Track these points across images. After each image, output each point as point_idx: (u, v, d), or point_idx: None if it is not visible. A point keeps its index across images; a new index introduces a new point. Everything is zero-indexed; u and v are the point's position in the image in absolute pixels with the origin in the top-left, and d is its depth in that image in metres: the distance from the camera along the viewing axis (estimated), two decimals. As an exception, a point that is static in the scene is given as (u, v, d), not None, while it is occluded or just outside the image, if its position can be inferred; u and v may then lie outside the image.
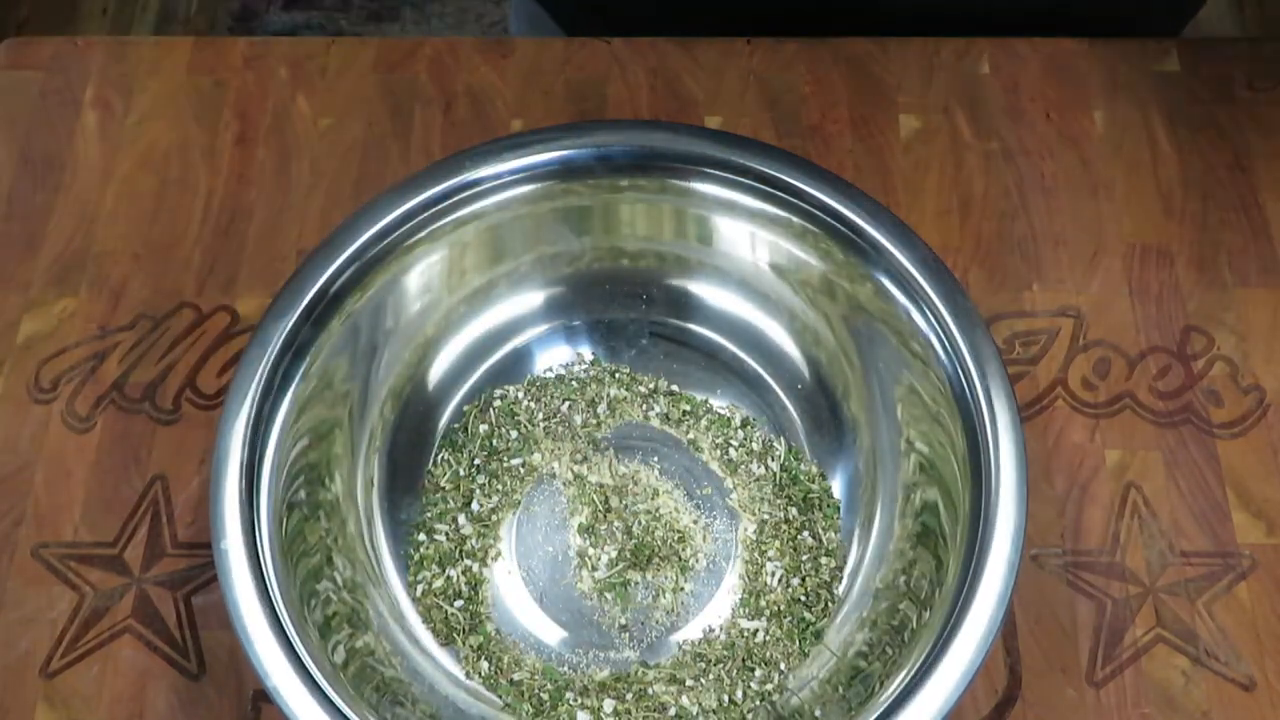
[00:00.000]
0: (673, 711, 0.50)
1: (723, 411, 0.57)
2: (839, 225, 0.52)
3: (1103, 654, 0.53)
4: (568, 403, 0.57)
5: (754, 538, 0.54)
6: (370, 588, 0.52)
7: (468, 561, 0.54)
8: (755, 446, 0.56)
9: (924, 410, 0.51)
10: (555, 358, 0.59)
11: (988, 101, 0.66)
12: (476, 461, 0.56)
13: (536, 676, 0.51)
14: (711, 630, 0.53)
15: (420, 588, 0.53)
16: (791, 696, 0.50)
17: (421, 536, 0.54)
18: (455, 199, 0.53)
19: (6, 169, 0.65)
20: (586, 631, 0.53)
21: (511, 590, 0.54)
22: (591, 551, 0.54)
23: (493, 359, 0.58)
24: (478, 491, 0.55)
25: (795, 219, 0.53)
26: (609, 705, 0.50)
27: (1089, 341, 0.60)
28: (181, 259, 0.62)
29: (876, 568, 0.52)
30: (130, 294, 0.61)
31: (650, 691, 0.51)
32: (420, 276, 0.54)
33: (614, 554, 0.54)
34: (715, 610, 0.53)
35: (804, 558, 0.53)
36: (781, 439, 0.56)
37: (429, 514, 0.55)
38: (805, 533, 0.54)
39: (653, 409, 0.57)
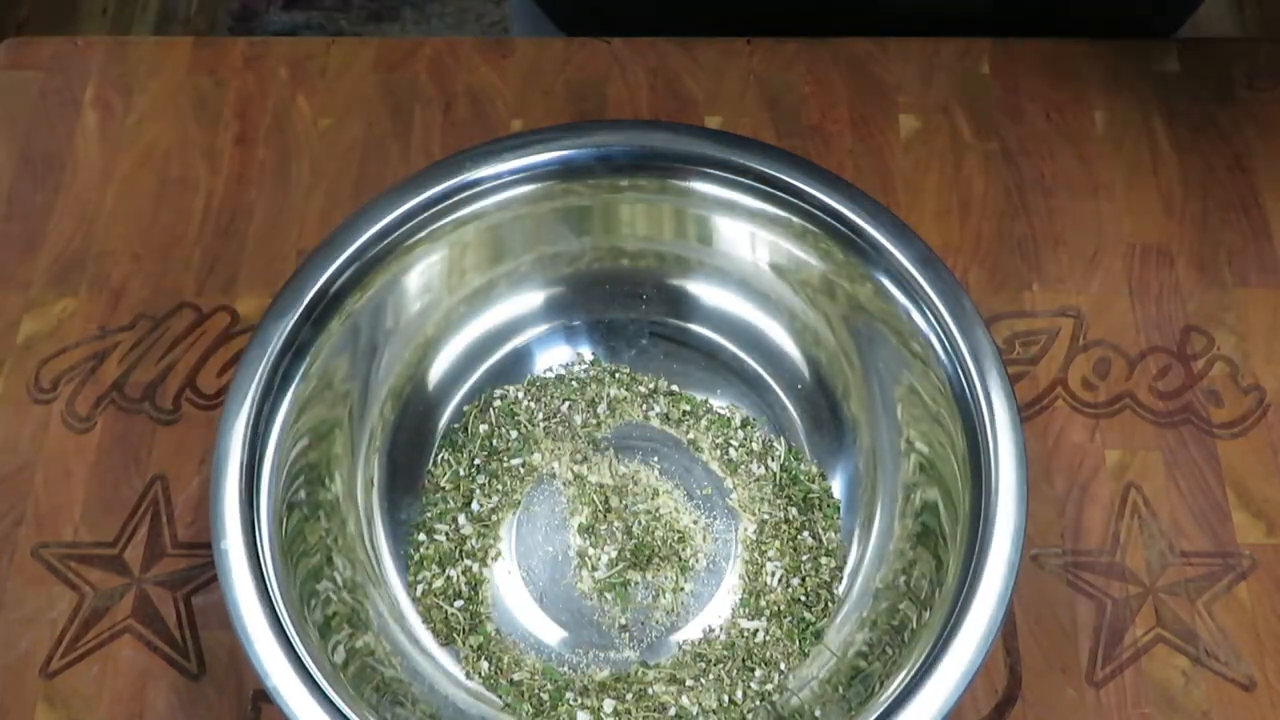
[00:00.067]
0: (673, 711, 0.50)
1: (723, 411, 0.57)
2: (839, 225, 0.52)
3: (1103, 654, 0.53)
4: (568, 403, 0.57)
5: (754, 538, 0.54)
6: (370, 588, 0.52)
7: (468, 561, 0.54)
8: (755, 446, 0.56)
9: (924, 410, 0.51)
10: (555, 358, 0.59)
11: (988, 101, 0.66)
12: (476, 461, 0.56)
13: (536, 676, 0.51)
14: (711, 630, 0.53)
15: (420, 588, 0.53)
16: (791, 696, 0.50)
17: (421, 536, 0.54)
18: (455, 199, 0.53)
19: (6, 169, 0.65)
20: (586, 631, 0.53)
21: (511, 590, 0.54)
22: (591, 551, 0.54)
23: (493, 359, 0.58)
24: (478, 491, 0.55)
25: (795, 219, 0.53)
26: (609, 705, 0.50)
27: (1089, 341, 0.60)
28: (181, 259, 0.62)
29: (876, 568, 0.52)
30: (130, 294, 0.61)
31: (650, 691, 0.51)
32: (420, 276, 0.54)
33: (614, 554, 0.54)
34: (715, 610, 0.53)
35: (804, 558, 0.53)
36: (781, 439, 0.56)
37: (429, 514, 0.55)
38: (805, 533, 0.54)
39: (653, 409, 0.57)
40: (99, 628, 0.54)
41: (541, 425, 0.57)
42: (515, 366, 0.58)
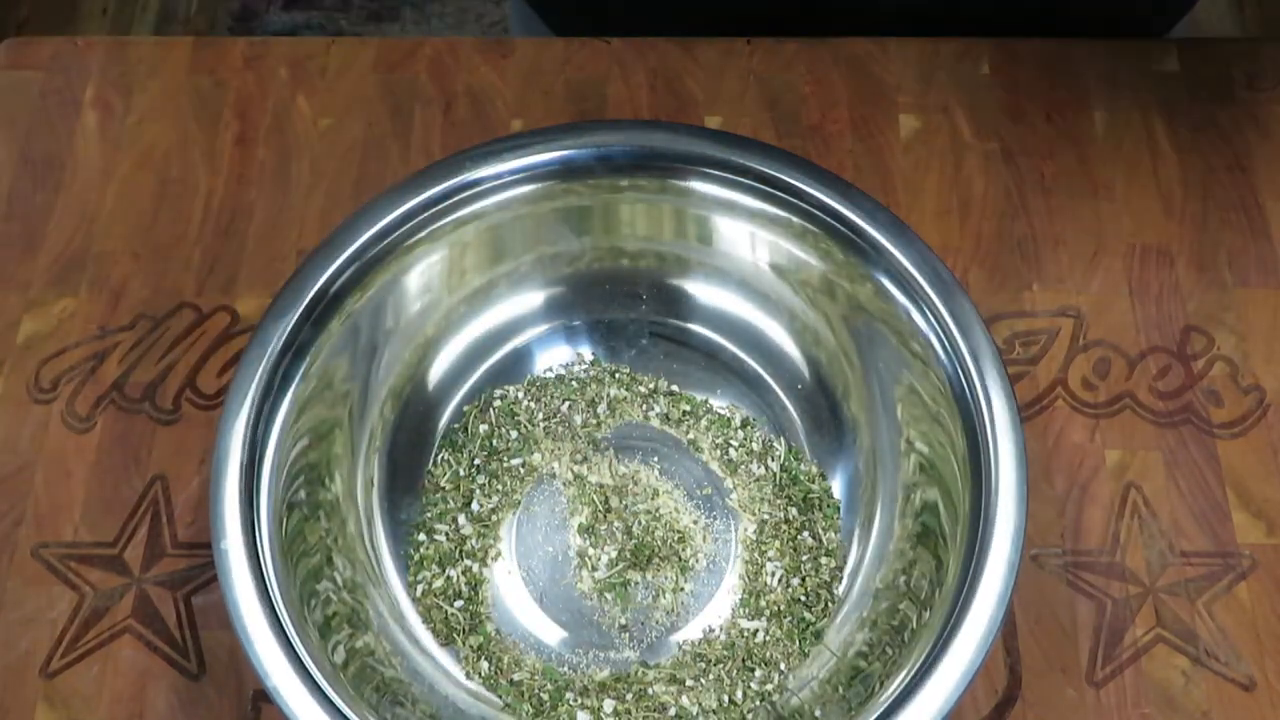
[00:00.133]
0: (673, 711, 0.50)
1: (723, 411, 0.57)
2: (839, 225, 0.52)
3: (1103, 654, 0.53)
4: (568, 403, 0.57)
5: (754, 538, 0.54)
6: (370, 588, 0.52)
7: (468, 561, 0.54)
8: (755, 446, 0.56)
9: (924, 410, 0.51)
10: (555, 358, 0.59)
11: (988, 101, 0.66)
12: (476, 461, 0.56)
13: (536, 676, 0.51)
14: (711, 630, 0.53)
15: (420, 588, 0.53)
16: (791, 696, 0.50)
17: (421, 536, 0.54)
18: (455, 199, 0.53)
19: (6, 169, 0.65)
20: (586, 631, 0.53)
21: (511, 590, 0.54)
22: (591, 551, 0.54)
23: (493, 359, 0.58)
24: (478, 491, 0.55)
25: (795, 219, 0.53)
26: (609, 705, 0.50)
27: (1089, 341, 0.60)
28: (181, 259, 0.62)
29: (876, 568, 0.52)
30: (130, 294, 0.61)
31: (650, 691, 0.51)
32: (420, 276, 0.54)
33: (614, 554, 0.54)
34: (715, 610, 0.53)
35: (804, 558, 0.53)
36: (781, 439, 0.56)
37: (429, 514, 0.55)
38: (805, 533, 0.54)
39: (653, 409, 0.57)
40: (99, 628, 0.54)
41: (541, 425, 0.57)
42: (515, 366, 0.58)
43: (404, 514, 0.55)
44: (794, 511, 0.55)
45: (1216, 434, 0.58)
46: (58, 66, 0.68)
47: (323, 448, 0.52)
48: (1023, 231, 0.63)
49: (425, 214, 0.52)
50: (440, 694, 0.50)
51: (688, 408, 0.57)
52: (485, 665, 0.52)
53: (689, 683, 0.51)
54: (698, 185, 0.54)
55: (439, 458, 0.56)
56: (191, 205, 0.64)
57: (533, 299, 0.58)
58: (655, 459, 0.56)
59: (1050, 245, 0.62)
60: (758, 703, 0.51)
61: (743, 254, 0.56)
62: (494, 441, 0.56)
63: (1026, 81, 0.67)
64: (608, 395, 0.57)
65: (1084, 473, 0.57)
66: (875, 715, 0.44)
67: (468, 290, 0.57)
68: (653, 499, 0.55)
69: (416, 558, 0.54)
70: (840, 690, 0.49)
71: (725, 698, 0.51)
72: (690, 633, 0.53)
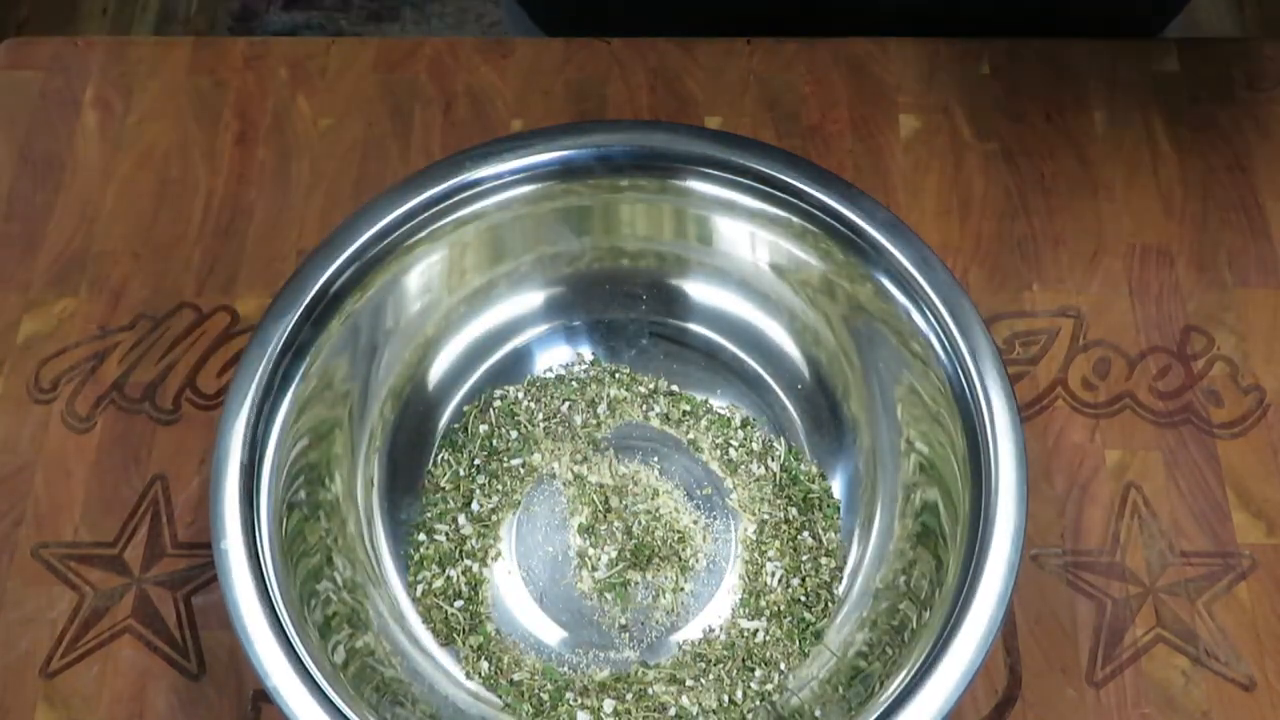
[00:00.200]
0: (673, 711, 0.50)
1: (723, 411, 0.57)
2: (839, 225, 0.52)
3: (1103, 654, 0.53)
4: (568, 403, 0.57)
5: (754, 538, 0.54)
6: (370, 588, 0.52)
7: (468, 561, 0.54)
8: (755, 446, 0.56)
9: (924, 410, 0.51)
10: (555, 358, 0.59)
11: (988, 101, 0.66)
12: (476, 461, 0.56)
13: (536, 676, 0.51)
14: (711, 630, 0.53)
15: (420, 588, 0.53)
16: (791, 696, 0.50)
17: (421, 536, 0.54)
18: (455, 199, 0.53)
19: (6, 169, 0.65)
20: (586, 631, 0.53)
21: (511, 590, 0.54)
22: (591, 551, 0.54)
23: (493, 359, 0.58)
24: (478, 491, 0.55)
25: (795, 219, 0.53)
26: (609, 705, 0.50)
27: (1089, 341, 0.60)
28: (181, 259, 0.62)
29: (876, 568, 0.52)
30: (130, 294, 0.61)
31: (650, 691, 0.51)
32: (420, 276, 0.54)
33: (614, 554, 0.54)
34: (715, 610, 0.53)
35: (804, 558, 0.53)
36: (781, 439, 0.56)
37: (429, 514, 0.55)
38: (805, 533, 0.54)
39: (653, 409, 0.57)
40: (99, 628, 0.54)
41: (541, 425, 0.57)
42: (515, 366, 0.58)
43: (404, 514, 0.55)
44: (794, 511, 0.55)
45: (1216, 434, 0.58)
46: (58, 66, 0.68)
47: (323, 448, 0.52)
48: (1023, 231, 0.63)
49: (425, 214, 0.52)
50: (440, 694, 0.50)
51: (688, 408, 0.57)
52: (485, 665, 0.52)
53: (689, 683, 0.51)
54: (698, 185, 0.54)
55: (439, 458, 0.56)
56: (191, 205, 0.64)
57: (533, 299, 0.58)
58: (655, 459, 0.56)
59: (1050, 245, 0.62)
60: (758, 703, 0.51)
61: (743, 254, 0.56)
62: (494, 441, 0.56)
63: (1026, 81, 0.67)
64: (608, 395, 0.57)
65: (1084, 473, 0.57)
66: (875, 715, 0.44)
67: (468, 290, 0.57)
68: (653, 499, 0.55)
69: (416, 558, 0.54)
70: (840, 690, 0.49)
71: (725, 698, 0.51)
72: (690, 633, 0.53)
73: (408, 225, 0.52)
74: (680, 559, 0.54)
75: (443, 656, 0.52)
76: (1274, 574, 0.54)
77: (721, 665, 0.51)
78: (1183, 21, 0.79)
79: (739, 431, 0.57)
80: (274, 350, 0.49)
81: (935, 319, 0.50)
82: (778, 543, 0.54)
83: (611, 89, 0.67)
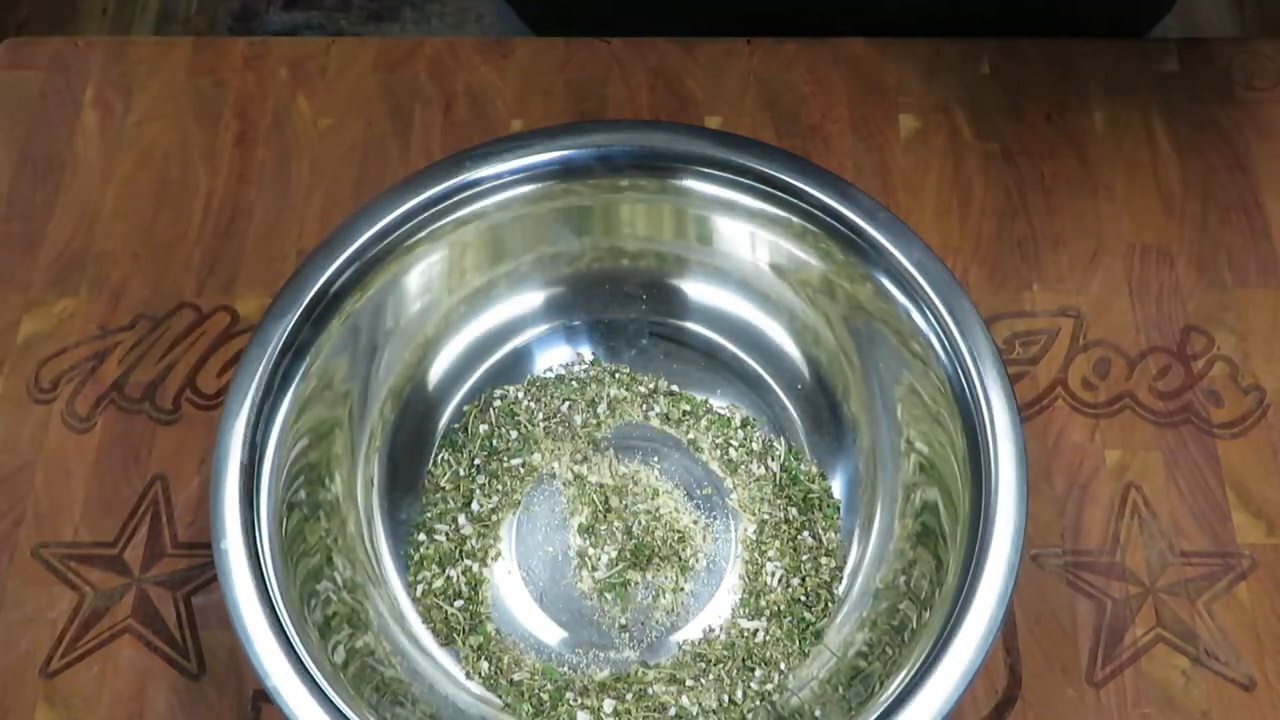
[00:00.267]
0: (673, 711, 0.50)
1: (723, 411, 0.57)
2: (839, 225, 0.52)
3: (1103, 654, 0.53)
4: (568, 403, 0.57)
5: (754, 538, 0.54)
6: (370, 588, 0.52)
7: (468, 561, 0.54)
8: (755, 446, 0.56)
9: (924, 410, 0.51)
10: (555, 358, 0.59)
11: (988, 101, 0.66)
12: (476, 461, 0.56)
13: (536, 676, 0.51)
14: (711, 630, 0.53)
15: (420, 588, 0.53)
16: (791, 696, 0.50)
17: (421, 536, 0.54)
18: (455, 199, 0.53)
19: (6, 169, 0.65)
20: (586, 631, 0.53)
21: (511, 590, 0.54)
22: (591, 551, 0.54)
23: (493, 359, 0.58)
24: (478, 491, 0.55)
25: (795, 219, 0.53)
26: (609, 705, 0.50)
27: (1089, 341, 0.60)
28: (181, 259, 0.62)
29: (876, 568, 0.52)
30: (130, 294, 0.61)
31: (650, 691, 0.51)
32: (420, 276, 0.54)
33: (614, 554, 0.54)
34: (715, 610, 0.53)
35: (804, 558, 0.53)
36: (781, 439, 0.56)
37: (429, 514, 0.55)
38: (805, 533, 0.54)
39: (653, 409, 0.57)
40: (99, 628, 0.54)
41: (541, 425, 0.57)
42: (515, 366, 0.58)
43: (404, 514, 0.55)
44: (794, 511, 0.55)
45: (1216, 434, 0.58)
46: (58, 66, 0.68)
47: (323, 448, 0.52)
48: (1023, 231, 0.63)
49: (425, 214, 0.52)
50: (440, 694, 0.50)
51: (688, 408, 0.57)
52: (485, 665, 0.52)
53: (689, 683, 0.51)
54: (697, 185, 0.54)
55: (439, 458, 0.56)
56: (191, 205, 0.64)
57: (533, 299, 0.58)
58: (655, 459, 0.56)
59: (1050, 245, 0.62)
60: (758, 703, 0.51)
61: (743, 254, 0.56)
62: (494, 441, 0.56)
63: (1026, 81, 0.67)
64: (608, 395, 0.57)
65: (1084, 473, 0.57)
66: (875, 715, 0.44)
67: (468, 290, 0.57)
68: (653, 499, 0.55)
69: (416, 558, 0.54)
70: (840, 690, 0.49)
71: (725, 698, 0.51)
72: (690, 633, 0.53)
73: (408, 225, 0.52)
74: (680, 559, 0.54)
75: (443, 656, 0.52)
76: (1274, 574, 0.54)
77: (721, 665, 0.51)
78: (1183, 21, 0.79)
79: (739, 431, 0.57)
80: (274, 350, 0.49)
81: (935, 319, 0.50)
82: (778, 543, 0.54)
83: (611, 89, 0.67)
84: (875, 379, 0.54)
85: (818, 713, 0.49)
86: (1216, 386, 0.59)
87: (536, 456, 0.56)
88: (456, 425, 0.57)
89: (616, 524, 0.54)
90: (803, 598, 0.53)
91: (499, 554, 0.54)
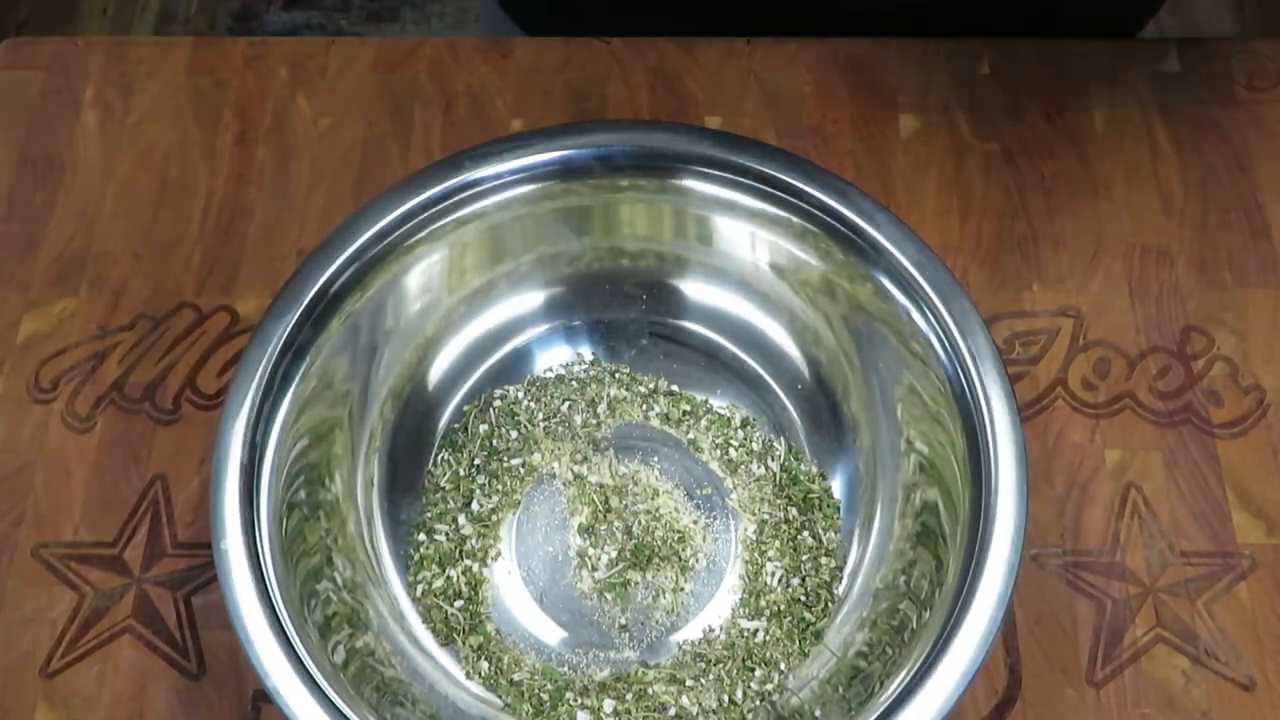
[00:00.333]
0: (673, 711, 0.50)
1: (723, 411, 0.57)
2: (839, 225, 0.52)
3: (1103, 654, 0.53)
4: (568, 403, 0.57)
5: (754, 538, 0.54)
6: (370, 588, 0.52)
7: (468, 561, 0.54)
8: (755, 446, 0.56)
9: (924, 410, 0.51)
10: (555, 358, 0.59)
11: (988, 101, 0.66)
12: (476, 461, 0.56)
13: (536, 676, 0.51)
14: (711, 630, 0.53)
15: (420, 588, 0.53)
16: (791, 696, 0.50)
17: (421, 536, 0.54)
18: (455, 199, 0.53)
19: (6, 169, 0.65)
20: (586, 631, 0.53)
21: (511, 590, 0.54)
22: (591, 551, 0.54)
23: (493, 359, 0.58)
24: (478, 491, 0.55)
25: (795, 219, 0.53)
26: (609, 705, 0.50)
27: (1089, 341, 0.60)
28: (181, 259, 0.62)
29: (876, 568, 0.52)
30: (130, 294, 0.61)
31: (650, 691, 0.51)
32: (420, 276, 0.54)
33: (614, 554, 0.54)
34: (715, 610, 0.53)
35: (804, 558, 0.53)
36: (781, 439, 0.56)
37: (429, 514, 0.55)
38: (805, 533, 0.54)
39: (653, 409, 0.57)
40: (99, 628, 0.54)
41: (541, 425, 0.57)
42: (515, 366, 0.58)
43: (404, 514, 0.55)
44: (794, 511, 0.55)
45: (1216, 434, 0.58)
46: (58, 66, 0.68)
47: (323, 448, 0.52)
48: (1023, 231, 0.63)
49: (425, 214, 0.52)
50: (440, 694, 0.50)
51: (688, 408, 0.57)
52: (485, 665, 0.52)
53: (689, 683, 0.51)
54: (697, 185, 0.54)
55: (439, 458, 0.56)
56: (191, 205, 0.64)
57: (533, 299, 0.58)
58: (655, 459, 0.56)
59: (1050, 245, 0.62)
60: (758, 703, 0.51)
61: (742, 254, 0.56)
62: (494, 441, 0.56)
63: (1026, 81, 0.67)
64: (608, 395, 0.57)
65: (1084, 473, 0.57)
66: (875, 715, 0.44)
67: (468, 290, 0.57)
68: (653, 499, 0.55)
69: (416, 558, 0.54)
70: (840, 690, 0.49)
71: (725, 698, 0.51)
72: (690, 633, 0.53)
73: (408, 225, 0.52)
74: (680, 559, 0.54)
75: (443, 656, 0.52)
76: (1274, 574, 0.54)
77: (721, 665, 0.51)
78: (1182, 21, 0.79)
79: (739, 431, 0.57)
80: (274, 350, 0.49)
81: (935, 319, 0.50)
82: (778, 543, 0.54)
83: (611, 89, 0.67)
84: (875, 379, 0.54)
85: (818, 713, 0.49)
86: (1216, 386, 0.59)
87: (536, 456, 0.56)
88: (456, 425, 0.57)
89: (616, 524, 0.54)
90: (803, 598, 0.53)
91: (499, 554, 0.54)
